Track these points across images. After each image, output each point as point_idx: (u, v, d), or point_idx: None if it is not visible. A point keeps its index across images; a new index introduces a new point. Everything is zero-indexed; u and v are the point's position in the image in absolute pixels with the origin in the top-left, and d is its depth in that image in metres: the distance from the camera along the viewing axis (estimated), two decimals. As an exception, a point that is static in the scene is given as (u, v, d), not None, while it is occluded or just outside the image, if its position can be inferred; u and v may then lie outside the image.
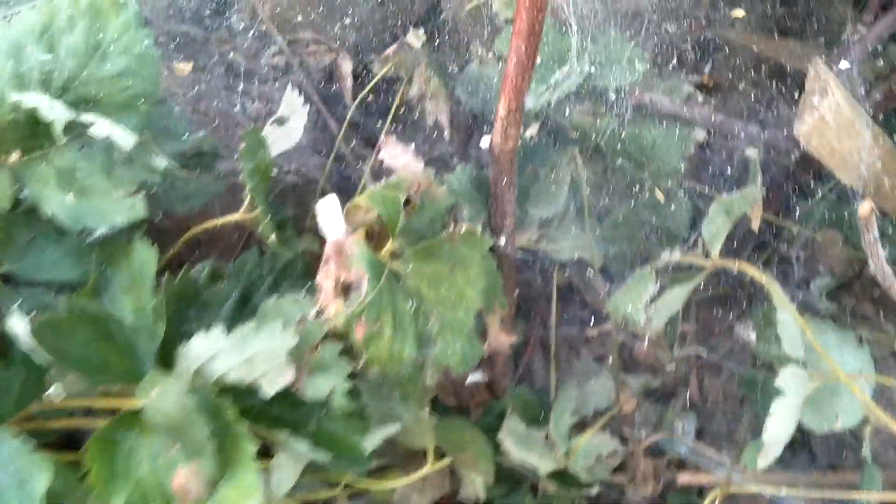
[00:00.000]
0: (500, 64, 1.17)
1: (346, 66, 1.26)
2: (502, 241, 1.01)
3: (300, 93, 1.21)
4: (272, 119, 1.01)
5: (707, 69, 1.19)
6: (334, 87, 1.27)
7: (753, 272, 0.97)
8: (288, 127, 1.00)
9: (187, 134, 0.99)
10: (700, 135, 1.13)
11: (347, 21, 1.22)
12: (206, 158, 0.99)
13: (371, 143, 1.27)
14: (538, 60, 0.89)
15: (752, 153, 1.02)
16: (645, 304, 0.97)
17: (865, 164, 0.93)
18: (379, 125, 1.24)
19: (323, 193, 1.15)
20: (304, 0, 1.18)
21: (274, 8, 1.17)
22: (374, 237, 0.89)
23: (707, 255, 1.02)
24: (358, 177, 1.22)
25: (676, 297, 1.02)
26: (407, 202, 0.92)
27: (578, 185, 1.15)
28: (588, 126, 1.13)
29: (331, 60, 1.26)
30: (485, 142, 0.95)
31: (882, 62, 1.17)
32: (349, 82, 1.27)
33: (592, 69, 1.11)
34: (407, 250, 0.88)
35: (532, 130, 1.14)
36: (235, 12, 1.19)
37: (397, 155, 0.95)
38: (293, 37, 1.24)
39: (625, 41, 1.11)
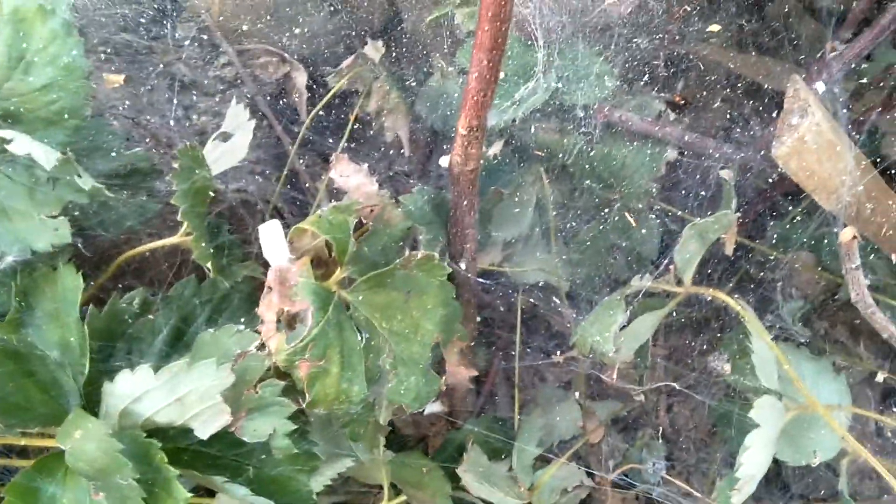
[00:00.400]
0: (462, 78, 1.11)
1: (300, 79, 1.19)
2: (462, 266, 0.95)
3: (250, 106, 1.15)
4: (215, 135, 0.94)
5: (679, 86, 1.14)
6: (287, 101, 1.20)
7: (728, 300, 0.92)
8: (232, 143, 0.93)
9: (123, 150, 0.92)
10: (671, 154, 1.08)
11: (299, 31, 1.15)
12: (141, 176, 0.92)
13: (326, 158, 1.21)
14: (502, 75, 0.84)
15: (727, 174, 0.97)
16: (613, 334, 0.92)
17: (847, 188, 0.88)
18: (333, 141, 1.17)
19: (276, 213, 1.08)
20: (251, 7, 1.11)
21: (219, 15, 1.10)
22: (323, 264, 0.82)
23: (679, 281, 0.97)
24: (313, 195, 1.15)
25: (647, 325, 0.97)
26: (359, 226, 0.85)
27: (544, 206, 1.09)
28: (555, 144, 1.08)
29: (284, 73, 1.19)
30: (444, 161, 0.88)
31: (858, 79, 1.14)
32: (303, 96, 1.20)
33: (559, 85, 1.05)
34: (358, 279, 0.81)
35: (495, 148, 1.08)
36: (180, 21, 1.11)
37: (349, 174, 0.88)
38: (244, 47, 1.17)
39: (594, 56, 1.06)
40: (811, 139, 0.87)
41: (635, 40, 1.06)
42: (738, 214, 0.98)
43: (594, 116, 1.07)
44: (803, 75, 1.07)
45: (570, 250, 1.13)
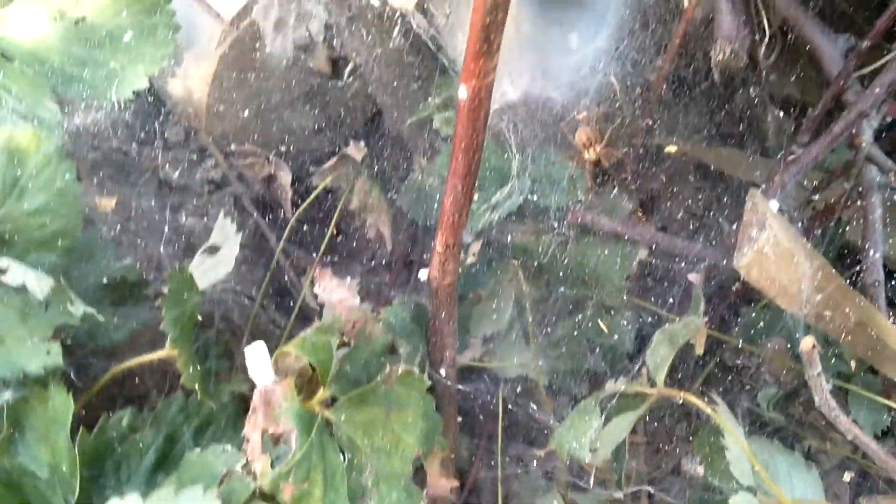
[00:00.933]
0: (440, 179, 1.15)
1: (285, 179, 1.23)
2: (442, 373, 0.98)
3: (236, 206, 1.18)
4: (203, 248, 0.97)
5: (648, 188, 1.19)
6: (274, 209, 1.24)
7: (699, 404, 0.95)
8: (219, 257, 0.96)
9: (112, 262, 0.95)
10: (642, 253, 1.12)
11: (284, 133, 1.20)
12: (130, 290, 0.94)
13: (312, 252, 1.24)
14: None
15: (695, 278, 1.01)
16: (590, 440, 0.94)
17: (806, 294, 0.92)
18: (319, 241, 1.20)
19: (258, 316, 1.11)
20: (237, 111, 1.15)
21: (207, 123, 1.14)
22: (306, 380, 0.85)
23: (652, 383, 1.00)
24: (298, 291, 1.18)
25: (622, 426, 0.99)
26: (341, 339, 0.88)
27: (522, 305, 1.12)
28: (530, 245, 1.12)
29: (269, 173, 1.23)
30: (423, 274, 0.92)
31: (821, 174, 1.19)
32: (288, 195, 1.23)
33: (534, 189, 1.10)
34: (340, 397, 0.84)
35: (473, 249, 1.12)
36: (168, 125, 1.15)
37: (332, 289, 0.92)
38: (230, 149, 1.21)
39: (565, 161, 1.11)
40: (770, 250, 0.91)
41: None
42: (706, 319, 1.01)
43: (567, 219, 1.11)
44: (763, 163, 1.12)
45: (548, 346, 1.15)
